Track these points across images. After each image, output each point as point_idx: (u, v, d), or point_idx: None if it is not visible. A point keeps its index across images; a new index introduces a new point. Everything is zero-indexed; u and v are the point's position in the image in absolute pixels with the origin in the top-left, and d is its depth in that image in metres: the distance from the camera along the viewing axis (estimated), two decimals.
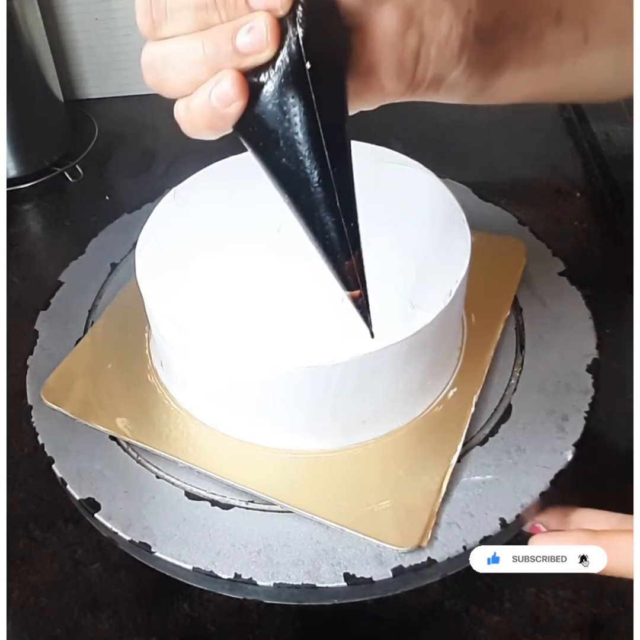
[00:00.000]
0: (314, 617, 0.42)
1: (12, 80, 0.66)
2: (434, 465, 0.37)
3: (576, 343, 0.43)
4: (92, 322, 0.47)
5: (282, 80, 0.25)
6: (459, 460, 0.38)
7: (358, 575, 0.34)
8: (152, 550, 0.36)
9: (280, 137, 0.26)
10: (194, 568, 0.35)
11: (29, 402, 0.43)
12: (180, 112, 0.28)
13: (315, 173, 0.27)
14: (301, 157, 0.26)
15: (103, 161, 0.76)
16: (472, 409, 0.40)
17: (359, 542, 0.35)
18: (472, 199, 0.52)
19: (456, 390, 0.41)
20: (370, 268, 0.38)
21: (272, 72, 0.25)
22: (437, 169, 0.44)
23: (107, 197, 0.72)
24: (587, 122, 0.73)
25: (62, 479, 0.39)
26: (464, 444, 0.39)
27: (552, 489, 0.37)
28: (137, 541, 0.36)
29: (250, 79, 0.26)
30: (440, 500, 0.36)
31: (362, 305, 0.31)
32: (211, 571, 0.35)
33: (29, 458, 0.49)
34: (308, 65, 0.25)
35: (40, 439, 0.41)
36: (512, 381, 0.42)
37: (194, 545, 0.36)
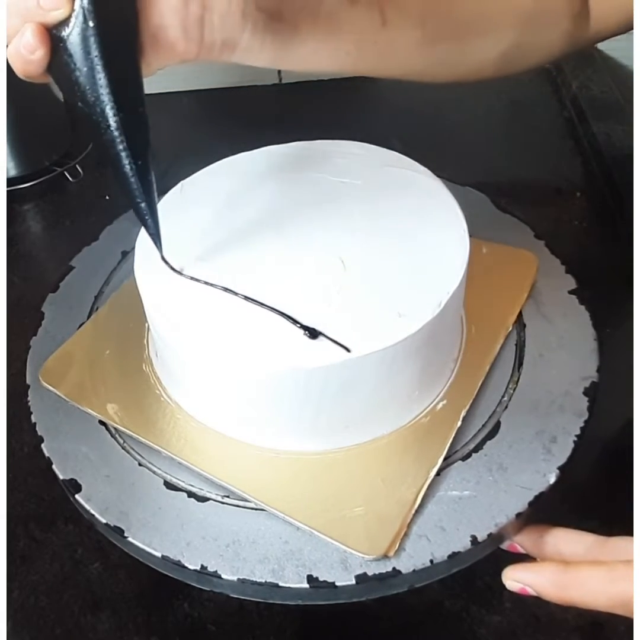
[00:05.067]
0: (314, 617, 0.42)
1: (12, 80, 0.66)
2: (413, 476, 0.37)
3: (576, 364, 0.42)
4: (97, 308, 0.48)
5: (74, 35, 0.30)
6: (438, 474, 0.38)
7: (321, 579, 0.35)
8: (125, 534, 0.37)
9: (74, 83, 0.31)
10: (162, 556, 0.36)
11: (28, 381, 0.44)
12: (7, 54, 0.32)
13: (102, 117, 0.31)
14: (91, 103, 0.31)
15: (103, 161, 0.76)
16: (459, 423, 0.39)
17: (326, 546, 0.35)
18: (489, 208, 0.52)
19: (445, 403, 0.41)
20: (363, 273, 0.38)
21: (67, 27, 0.30)
22: (437, 168, 0.43)
23: (107, 197, 0.72)
24: (587, 122, 0.73)
25: (48, 458, 0.40)
26: (446, 458, 0.38)
27: (529, 510, 0.36)
28: (112, 525, 0.37)
29: (54, 32, 0.30)
30: (413, 511, 0.36)
31: (153, 234, 0.36)
32: (179, 561, 0.36)
33: (29, 458, 0.49)
34: (91, 23, 0.30)
35: (33, 418, 0.42)
36: (505, 398, 0.41)
37: (165, 533, 0.37)
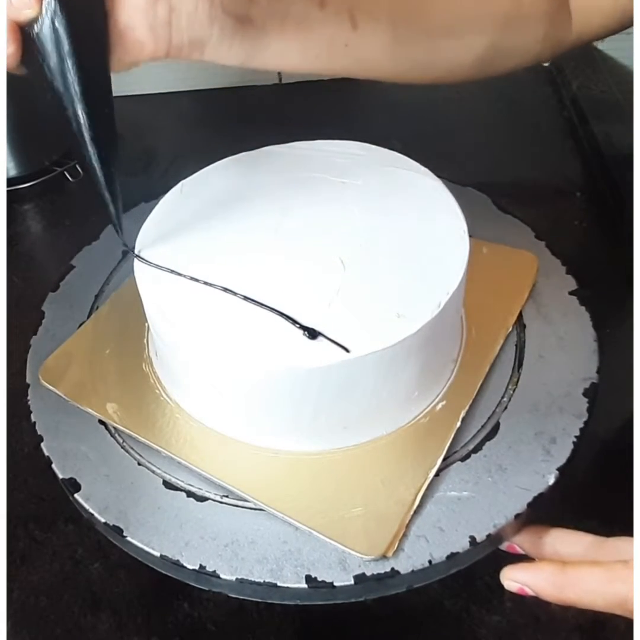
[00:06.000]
0: (314, 617, 0.42)
1: (12, 79, 0.66)
2: (412, 477, 0.37)
3: (576, 365, 0.42)
4: (97, 307, 0.48)
5: (43, 33, 0.32)
6: (437, 474, 0.38)
7: (320, 579, 0.35)
8: (124, 534, 0.37)
9: (45, 76, 0.33)
10: (161, 555, 0.36)
11: (27, 380, 0.44)
12: None
13: (71, 108, 0.34)
14: (60, 94, 0.33)
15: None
16: (458, 424, 0.39)
17: (325, 546, 0.36)
18: (489, 209, 0.52)
19: (445, 403, 0.41)
20: (363, 273, 0.38)
21: (36, 26, 0.32)
22: (437, 168, 0.43)
23: None
24: (587, 122, 0.73)
25: (48, 457, 0.40)
26: (445, 459, 0.38)
27: (528, 512, 0.36)
28: (111, 524, 0.37)
29: (27, 29, 0.32)
30: (411, 512, 0.36)
31: (114, 221, 0.38)
32: (177, 560, 0.36)
33: (29, 458, 0.49)
34: (57, 23, 0.32)
35: (33, 417, 0.42)
36: (504, 399, 0.41)
37: (164, 533, 0.37)
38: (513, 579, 0.35)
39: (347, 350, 0.34)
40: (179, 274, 0.38)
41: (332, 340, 0.35)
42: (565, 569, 0.33)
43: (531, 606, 0.42)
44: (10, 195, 0.71)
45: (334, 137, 0.46)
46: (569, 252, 0.49)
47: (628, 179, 0.61)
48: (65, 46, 0.32)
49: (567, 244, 0.52)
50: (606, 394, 0.42)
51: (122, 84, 0.85)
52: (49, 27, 0.32)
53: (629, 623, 0.32)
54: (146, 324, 0.45)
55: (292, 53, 0.39)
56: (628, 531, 0.33)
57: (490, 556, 0.37)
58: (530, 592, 0.34)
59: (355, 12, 0.39)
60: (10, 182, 0.72)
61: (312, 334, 0.35)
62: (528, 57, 0.48)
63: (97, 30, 0.33)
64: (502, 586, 0.35)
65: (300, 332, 0.35)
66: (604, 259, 0.62)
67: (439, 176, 0.43)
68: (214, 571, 0.35)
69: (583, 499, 0.43)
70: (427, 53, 0.44)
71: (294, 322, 0.35)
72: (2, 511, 0.41)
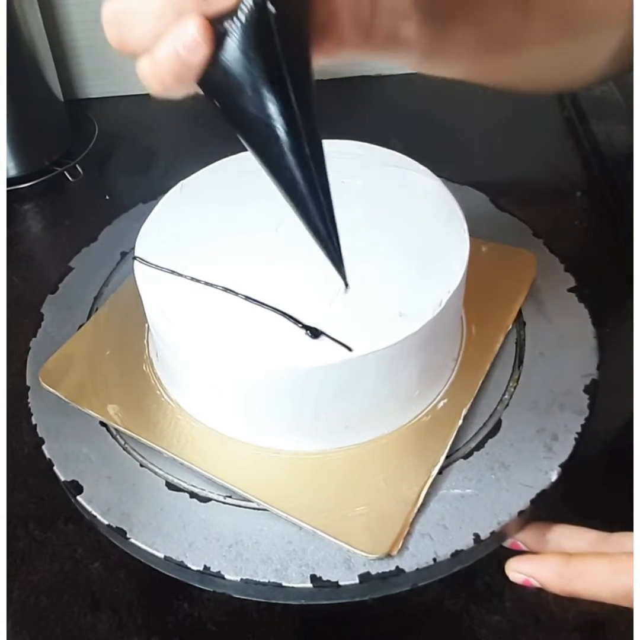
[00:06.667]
0: (314, 617, 0.42)
1: (12, 80, 0.66)
2: (415, 475, 0.37)
3: (576, 362, 0.43)
4: (97, 309, 0.48)
5: (247, 25, 0.25)
6: (440, 472, 0.38)
7: (324, 578, 0.35)
8: (127, 536, 0.37)
9: (245, 85, 0.26)
10: (165, 557, 0.36)
11: (27, 383, 0.44)
12: (144, 69, 0.27)
13: (282, 120, 0.27)
14: (267, 105, 0.26)
15: (103, 161, 0.76)
16: (460, 422, 0.39)
17: (329, 545, 0.35)
18: (488, 207, 0.52)
19: (446, 402, 0.41)
20: (364, 272, 0.38)
21: (236, 18, 0.25)
22: (437, 168, 0.43)
23: (107, 197, 0.72)
24: (587, 122, 0.73)
25: (49, 460, 0.40)
26: (448, 456, 0.38)
27: (532, 508, 0.36)
28: (114, 526, 0.37)
29: (215, 26, 0.25)
30: (415, 510, 0.36)
31: (334, 256, 0.31)
32: (182, 561, 0.36)
33: (29, 458, 0.49)
34: (272, 9, 0.25)
35: (33, 420, 0.42)
36: (506, 396, 0.41)
37: (167, 534, 0.37)
38: (518, 570, 0.35)
39: (349, 349, 0.34)
40: (179, 275, 0.38)
41: (335, 339, 0.35)
42: (570, 560, 0.33)
43: (531, 606, 0.42)
44: (10, 195, 0.71)
45: (334, 137, 0.46)
46: (569, 252, 0.49)
47: (628, 179, 0.61)
48: (278, 41, 0.25)
49: (567, 243, 0.52)
50: (606, 393, 0.42)
51: (122, 83, 0.86)
52: (256, 17, 0.25)
53: (629, 623, 0.32)
54: (146, 325, 0.45)
55: (468, 52, 0.35)
56: (629, 528, 0.33)
57: (491, 556, 0.37)
58: (535, 584, 0.34)
59: (528, 4, 0.36)
60: (10, 182, 0.72)
61: (315, 333, 0.35)
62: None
63: (303, 20, 0.26)
64: (502, 586, 0.35)
65: (301, 331, 0.35)
66: (604, 258, 0.62)
67: (438, 176, 0.43)
68: (219, 572, 0.35)
69: (584, 496, 0.43)
70: (574, 53, 0.41)
71: (296, 321, 0.35)
72: (2, 511, 0.41)
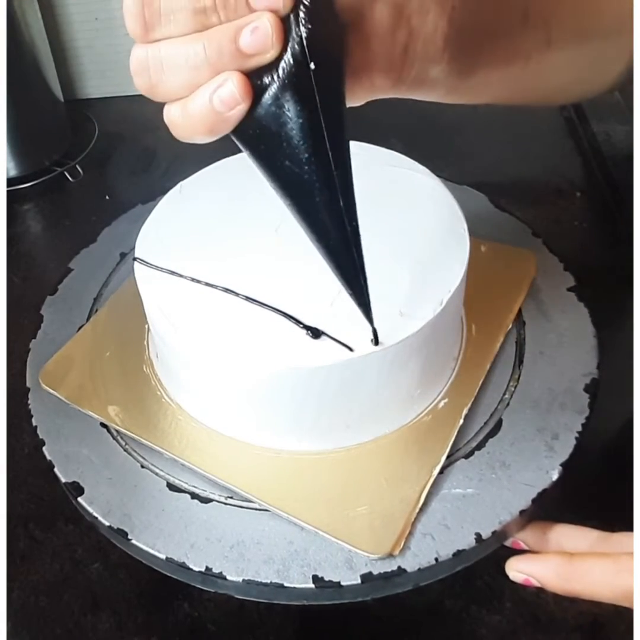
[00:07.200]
0: (314, 617, 0.42)
1: (12, 80, 0.66)
2: (416, 475, 0.37)
3: (577, 361, 0.43)
4: (96, 310, 0.48)
5: (286, 81, 0.25)
6: (441, 472, 0.38)
7: (326, 579, 0.35)
8: (129, 537, 0.37)
9: (283, 139, 0.26)
10: (167, 558, 0.36)
11: (28, 384, 0.44)
12: (173, 116, 0.27)
13: (318, 174, 0.27)
14: (304, 159, 0.26)
15: (103, 161, 0.76)
16: (461, 421, 0.39)
17: (331, 546, 0.35)
18: (487, 207, 0.52)
19: (447, 401, 0.41)
20: None
21: (275, 73, 0.25)
22: (437, 168, 0.44)
23: (107, 197, 0.72)
24: (587, 122, 0.73)
25: (50, 461, 0.40)
26: (449, 456, 0.38)
27: (533, 508, 0.36)
28: (116, 527, 0.37)
29: (253, 80, 0.25)
30: (417, 510, 0.36)
31: (364, 303, 0.32)
32: (183, 563, 0.36)
33: (29, 458, 0.49)
34: (312, 65, 0.25)
35: (34, 421, 0.42)
36: (506, 396, 0.41)
37: (169, 535, 0.37)
38: (519, 569, 0.35)
39: (350, 349, 0.34)
40: (180, 275, 0.38)
41: (336, 340, 0.35)
42: (571, 560, 0.33)
43: (531, 606, 0.42)
44: (10, 195, 0.71)
45: None
46: (568, 252, 0.49)
47: (628, 179, 0.61)
48: (317, 95, 0.25)
49: (567, 244, 0.52)
50: (606, 392, 0.42)
51: (122, 83, 0.86)
52: (296, 71, 0.25)
53: (629, 623, 0.32)
54: (146, 326, 0.45)
55: (493, 76, 0.34)
56: (630, 528, 0.33)
57: (491, 556, 0.37)
58: (535, 583, 0.34)
59: (551, 23, 0.35)
60: (10, 182, 0.72)
61: (316, 333, 0.35)
62: None
63: (338, 70, 0.26)
64: (502, 586, 0.35)
65: (302, 331, 0.35)
66: (603, 258, 0.62)
67: (438, 176, 0.43)
68: (220, 573, 0.35)
69: (584, 497, 0.43)
70: (593, 61, 0.40)
71: (297, 321, 0.35)
72: (2, 511, 0.41)
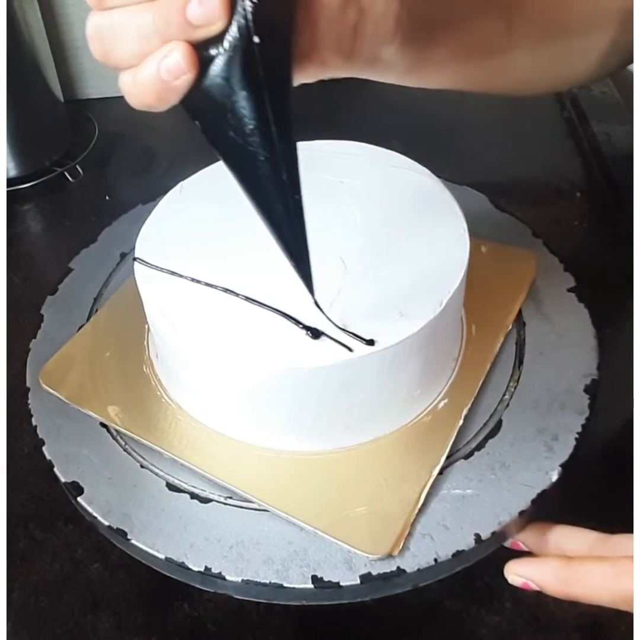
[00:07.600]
0: (314, 617, 0.42)
1: (12, 80, 0.66)
2: (416, 476, 0.37)
3: (576, 362, 0.43)
4: (96, 310, 0.48)
5: (231, 53, 0.25)
6: (441, 472, 0.38)
7: (326, 579, 0.35)
8: (128, 537, 0.37)
9: (228, 110, 0.26)
10: (166, 558, 0.36)
11: (28, 384, 0.44)
12: (126, 83, 0.27)
13: (262, 146, 0.27)
14: (248, 130, 0.27)
15: (103, 161, 0.76)
16: (461, 422, 0.39)
17: (330, 546, 0.35)
18: (487, 208, 0.52)
19: (447, 402, 0.41)
20: (364, 273, 0.38)
21: (222, 45, 0.25)
22: (437, 168, 0.44)
23: (107, 197, 0.72)
24: (587, 122, 0.73)
25: (50, 461, 0.40)
26: (448, 457, 0.38)
27: (532, 508, 0.36)
28: (115, 527, 0.37)
29: (199, 51, 0.26)
30: (416, 510, 0.36)
31: (306, 275, 0.32)
32: (183, 562, 0.36)
33: (29, 458, 0.49)
34: (257, 39, 0.25)
35: (34, 421, 0.42)
36: (506, 396, 0.41)
37: (168, 535, 0.37)
38: (517, 573, 0.35)
39: (350, 349, 0.34)
40: (180, 275, 0.38)
41: (336, 340, 0.35)
42: (570, 564, 0.33)
43: (531, 606, 0.42)
44: (10, 195, 0.71)
45: (334, 137, 0.46)
46: (568, 252, 0.49)
47: (628, 179, 0.61)
48: (262, 68, 0.25)
49: (567, 244, 0.52)
50: (606, 393, 0.42)
51: None
52: (241, 45, 0.25)
53: (629, 624, 0.32)
54: (146, 326, 0.45)
55: (449, 63, 0.35)
56: (629, 529, 0.33)
57: (491, 556, 0.37)
58: (534, 587, 0.34)
59: (513, 16, 0.36)
60: (10, 182, 0.72)
61: (315, 333, 0.35)
62: (627, 59, 0.43)
63: (286, 45, 0.27)
64: (502, 586, 0.35)
65: (302, 332, 0.35)
66: (603, 259, 0.62)
67: (438, 176, 0.43)
68: (220, 573, 0.35)
69: (584, 498, 0.43)
70: (558, 57, 0.40)
71: (297, 322, 0.35)
72: (2, 511, 0.41)
